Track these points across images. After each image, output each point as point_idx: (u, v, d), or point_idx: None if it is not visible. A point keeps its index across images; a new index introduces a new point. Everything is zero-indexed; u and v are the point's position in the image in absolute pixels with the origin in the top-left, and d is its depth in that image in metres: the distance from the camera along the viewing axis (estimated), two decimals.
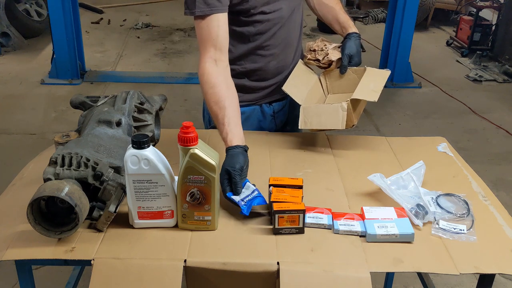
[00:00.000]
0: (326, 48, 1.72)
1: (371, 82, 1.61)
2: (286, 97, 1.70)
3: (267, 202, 1.31)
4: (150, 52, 5.80)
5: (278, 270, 1.13)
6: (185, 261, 1.14)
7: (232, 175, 1.28)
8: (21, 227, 1.22)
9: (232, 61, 1.59)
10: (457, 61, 5.82)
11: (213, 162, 1.18)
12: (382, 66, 4.93)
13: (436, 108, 4.55)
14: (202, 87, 1.48)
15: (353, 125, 1.58)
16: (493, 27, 5.91)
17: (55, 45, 4.66)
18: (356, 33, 1.71)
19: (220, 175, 1.27)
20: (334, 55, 1.70)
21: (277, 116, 1.84)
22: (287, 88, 1.67)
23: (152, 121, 1.48)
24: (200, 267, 1.14)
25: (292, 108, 1.83)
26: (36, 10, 6.01)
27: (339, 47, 1.72)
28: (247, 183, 1.33)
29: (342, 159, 1.62)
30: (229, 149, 1.34)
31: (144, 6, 7.71)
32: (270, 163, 1.58)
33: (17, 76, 4.95)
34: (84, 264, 1.33)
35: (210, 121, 1.80)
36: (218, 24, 1.48)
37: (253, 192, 1.31)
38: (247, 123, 1.78)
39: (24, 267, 1.26)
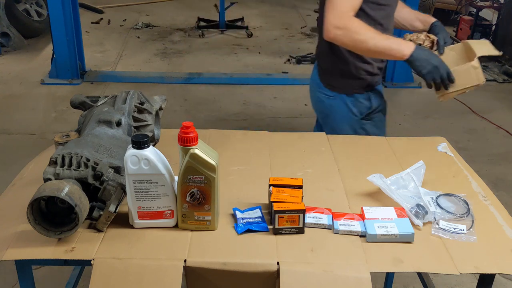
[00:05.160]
0: (421, 35, 1.86)
1: (483, 45, 1.77)
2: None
3: (268, 228, 1.26)
4: (150, 52, 5.79)
5: (278, 270, 1.13)
6: (185, 261, 1.14)
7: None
8: (21, 227, 1.22)
9: None
10: None
11: (213, 162, 1.18)
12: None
13: (436, 108, 4.54)
14: (350, 29, 1.61)
15: (483, 82, 1.73)
16: (493, 27, 5.91)
17: (55, 45, 4.65)
18: (438, 20, 1.96)
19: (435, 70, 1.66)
20: (431, 37, 1.85)
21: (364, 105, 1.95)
22: None
23: (152, 121, 1.48)
24: (200, 267, 1.14)
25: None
26: (36, 10, 6.01)
27: (428, 35, 1.88)
28: (257, 209, 1.32)
29: (342, 159, 1.62)
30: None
31: (144, 6, 7.71)
32: (270, 163, 1.58)
33: (17, 76, 4.95)
34: (84, 264, 1.33)
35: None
36: None
37: (256, 217, 1.29)
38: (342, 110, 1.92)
39: (24, 267, 1.27)
